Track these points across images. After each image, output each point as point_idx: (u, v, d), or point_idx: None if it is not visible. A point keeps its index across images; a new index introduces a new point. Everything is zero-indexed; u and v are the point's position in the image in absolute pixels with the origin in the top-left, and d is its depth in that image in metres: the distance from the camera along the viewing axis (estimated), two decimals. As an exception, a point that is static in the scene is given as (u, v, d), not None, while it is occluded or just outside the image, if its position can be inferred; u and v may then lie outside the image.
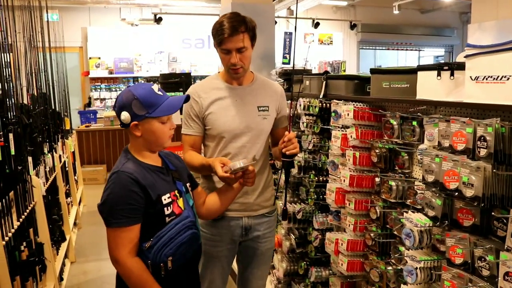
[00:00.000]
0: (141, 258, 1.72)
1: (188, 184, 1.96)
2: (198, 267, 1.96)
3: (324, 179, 2.80)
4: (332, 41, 10.95)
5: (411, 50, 12.24)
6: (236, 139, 2.23)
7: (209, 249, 2.28)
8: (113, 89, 9.74)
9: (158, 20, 8.84)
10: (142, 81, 9.92)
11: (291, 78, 3.39)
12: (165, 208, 1.77)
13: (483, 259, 1.58)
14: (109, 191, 1.70)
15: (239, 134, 2.23)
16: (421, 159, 1.89)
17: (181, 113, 2.34)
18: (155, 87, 1.80)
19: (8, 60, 3.03)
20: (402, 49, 12.11)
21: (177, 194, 1.84)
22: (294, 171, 2.92)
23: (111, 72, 9.53)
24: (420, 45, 12.02)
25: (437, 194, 1.75)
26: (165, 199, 1.78)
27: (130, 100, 1.74)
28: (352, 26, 10.78)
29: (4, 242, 2.41)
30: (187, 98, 1.89)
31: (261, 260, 2.42)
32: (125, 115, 1.74)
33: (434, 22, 11.53)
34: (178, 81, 7.85)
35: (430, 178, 1.77)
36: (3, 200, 2.54)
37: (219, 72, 2.35)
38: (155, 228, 1.74)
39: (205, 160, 2.18)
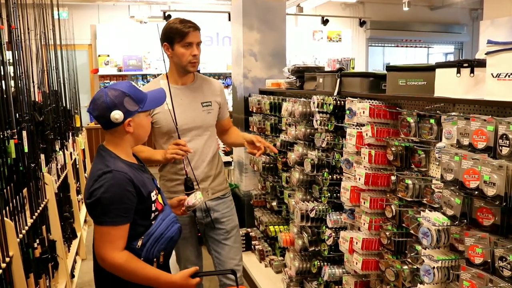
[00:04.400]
0: None
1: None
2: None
3: (338, 177, 2.78)
4: (341, 38, 10.88)
5: (420, 47, 12.14)
6: (185, 134, 2.48)
7: None
8: (122, 87, 9.75)
9: (167, 18, 8.81)
10: (151, 79, 9.93)
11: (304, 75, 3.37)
12: (152, 205, 1.81)
13: (504, 259, 1.56)
14: (103, 190, 1.66)
15: (187, 129, 2.50)
16: (439, 157, 1.87)
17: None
18: (133, 83, 1.85)
19: (21, 58, 3.04)
20: (411, 46, 12.01)
21: (157, 191, 1.90)
22: (307, 169, 2.90)
23: (120, 70, 9.53)
24: (429, 42, 11.91)
25: (456, 193, 1.72)
26: (153, 196, 1.82)
27: (121, 98, 1.72)
28: (361, 23, 10.71)
29: (18, 239, 2.42)
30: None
31: (230, 239, 2.67)
32: (118, 114, 1.70)
33: (443, 18, 11.43)
34: (187, 79, 7.84)
35: (449, 177, 1.74)
36: (17, 197, 2.55)
37: (162, 75, 2.55)
38: (142, 225, 1.78)
39: (153, 150, 2.48)
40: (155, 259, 1.76)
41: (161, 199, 1.91)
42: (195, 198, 2.16)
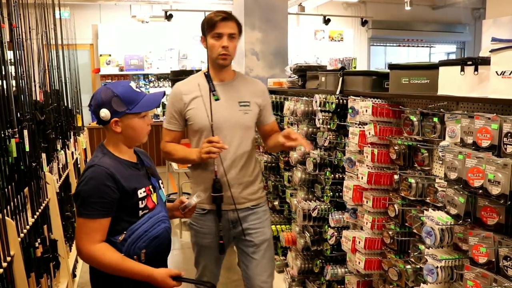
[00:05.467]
0: None
1: (161, 181, 2.01)
2: (167, 262, 1.99)
3: (340, 176, 2.77)
4: (342, 38, 10.85)
5: (422, 46, 12.11)
6: (217, 133, 2.29)
7: (200, 241, 2.44)
8: (124, 86, 9.74)
9: (168, 17, 8.81)
10: (153, 78, 9.92)
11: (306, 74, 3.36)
12: (140, 202, 1.82)
13: (508, 258, 1.54)
14: (83, 183, 1.74)
15: (219, 128, 2.31)
16: (442, 156, 1.86)
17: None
18: (133, 84, 1.86)
19: (22, 57, 3.03)
20: (413, 46, 11.98)
21: (151, 189, 1.90)
22: (309, 168, 2.89)
23: (121, 69, 9.51)
24: (431, 41, 11.88)
25: (460, 192, 1.71)
26: (140, 193, 1.82)
27: (109, 98, 1.78)
28: (363, 23, 10.68)
29: (19, 239, 2.41)
30: (164, 94, 1.96)
31: (258, 253, 2.43)
32: (105, 112, 1.77)
33: (445, 18, 11.39)
34: (189, 78, 7.83)
35: (453, 176, 1.73)
36: (18, 196, 2.54)
37: (202, 71, 2.45)
38: (128, 221, 1.80)
39: (188, 149, 2.39)
40: (135, 256, 1.77)
41: (155, 197, 1.91)
42: (190, 199, 2.09)
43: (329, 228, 2.81)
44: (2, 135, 2.39)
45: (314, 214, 2.88)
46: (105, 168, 1.75)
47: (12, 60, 2.87)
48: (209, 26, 2.28)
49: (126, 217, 1.80)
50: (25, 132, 2.69)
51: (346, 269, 2.75)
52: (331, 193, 2.79)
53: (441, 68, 1.93)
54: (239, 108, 2.38)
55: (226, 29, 2.28)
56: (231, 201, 2.33)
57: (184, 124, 2.42)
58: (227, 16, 2.30)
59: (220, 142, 2.21)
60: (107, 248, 1.74)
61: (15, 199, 2.47)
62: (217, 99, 2.33)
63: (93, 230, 1.73)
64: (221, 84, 2.39)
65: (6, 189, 2.35)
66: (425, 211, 1.96)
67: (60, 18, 5.35)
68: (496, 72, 1.63)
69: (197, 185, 2.43)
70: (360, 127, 2.42)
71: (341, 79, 2.71)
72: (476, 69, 1.76)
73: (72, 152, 4.79)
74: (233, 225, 2.39)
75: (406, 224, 2.17)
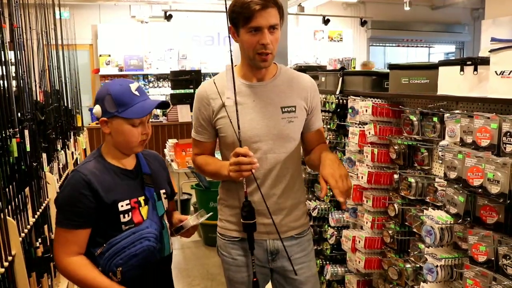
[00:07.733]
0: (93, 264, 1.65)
1: (163, 191, 1.79)
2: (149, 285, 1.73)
3: (340, 176, 2.77)
4: (342, 38, 10.88)
5: (422, 47, 12.14)
6: (255, 148, 1.83)
7: (233, 276, 1.95)
8: (123, 87, 9.75)
9: (168, 17, 8.82)
10: (152, 79, 9.93)
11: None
12: (121, 215, 1.65)
13: (508, 257, 1.55)
14: (62, 189, 1.67)
15: (258, 142, 1.84)
16: (442, 155, 1.87)
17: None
18: (134, 85, 1.68)
19: (23, 57, 3.03)
20: (412, 46, 12.01)
21: (141, 201, 1.70)
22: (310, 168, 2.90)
23: (121, 70, 9.53)
24: (431, 41, 11.92)
25: (460, 191, 1.72)
26: (122, 206, 1.65)
27: (103, 95, 1.67)
28: (363, 23, 10.70)
29: (21, 239, 2.41)
30: (167, 105, 1.75)
31: None
32: (97, 109, 1.68)
33: (444, 18, 11.42)
34: (188, 78, 7.85)
35: (453, 175, 1.74)
36: (19, 196, 2.54)
37: (235, 66, 1.89)
38: (110, 234, 1.65)
39: (220, 163, 1.91)
40: (110, 273, 1.62)
41: (145, 211, 1.70)
42: (188, 219, 1.80)
43: (329, 228, 2.82)
44: (4, 135, 2.40)
45: (314, 213, 2.89)
46: (83, 175, 1.61)
47: (13, 60, 2.87)
48: (244, 17, 1.72)
49: (107, 229, 1.65)
50: (26, 132, 2.69)
51: (346, 269, 2.76)
52: (331, 193, 2.80)
53: (440, 68, 1.95)
54: (282, 115, 1.86)
55: (266, 20, 1.71)
56: (271, 229, 1.86)
57: (215, 134, 1.94)
58: (266, 2, 1.71)
59: (249, 154, 1.71)
60: (82, 263, 1.62)
61: (16, 199, 2.48)
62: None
63: (68, 241, 1.62)
64: (260, 84, 1.88)
65: (7, 189, 2.36)
66: (425, 210, 1.98)
67: (60, 18, 5.35)
68: (496, 72, 1.65)
69: (227, 209, 1.97)
70: (360, 127, 2.43)
71: (341, 79, 2.73)
72: (475, 69, 1.77)
73: (72, 152, 4.80)
74: (272, 256, 1.92)
75: (406, 223, 2.18)
